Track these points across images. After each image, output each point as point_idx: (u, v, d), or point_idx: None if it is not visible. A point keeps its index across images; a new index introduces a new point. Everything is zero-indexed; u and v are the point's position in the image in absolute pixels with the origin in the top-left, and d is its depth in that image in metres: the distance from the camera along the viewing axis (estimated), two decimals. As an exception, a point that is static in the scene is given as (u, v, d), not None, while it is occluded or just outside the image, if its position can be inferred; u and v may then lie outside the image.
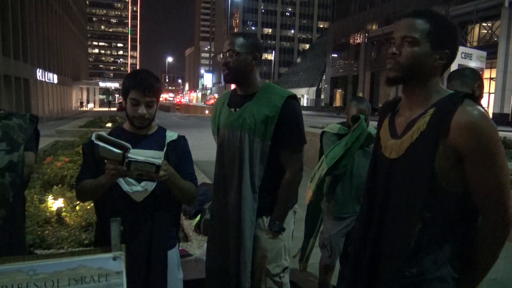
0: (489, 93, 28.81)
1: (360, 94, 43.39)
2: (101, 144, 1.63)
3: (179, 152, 1.98)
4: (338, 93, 56.40)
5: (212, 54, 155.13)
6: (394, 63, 1.36)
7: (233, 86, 2.19)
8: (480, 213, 1.31)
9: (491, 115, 28.26)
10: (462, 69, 2.49)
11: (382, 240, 1.42)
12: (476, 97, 1.33)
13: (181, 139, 2.04)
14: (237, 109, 2.08)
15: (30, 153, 1.72)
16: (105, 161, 1.69)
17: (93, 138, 1.93)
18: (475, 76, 2.36)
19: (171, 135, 2.01)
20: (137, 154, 1.67)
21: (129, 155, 1.64)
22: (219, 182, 2.15)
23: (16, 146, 1.65)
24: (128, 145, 1.66)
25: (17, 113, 1.78)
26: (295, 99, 2.06)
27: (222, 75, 2.09)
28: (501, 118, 26.81)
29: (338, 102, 54.84)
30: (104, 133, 1.72)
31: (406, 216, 1.34)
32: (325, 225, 3.01)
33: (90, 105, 57.75)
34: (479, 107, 1.28)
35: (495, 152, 1.25)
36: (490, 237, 1.30)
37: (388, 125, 1.49)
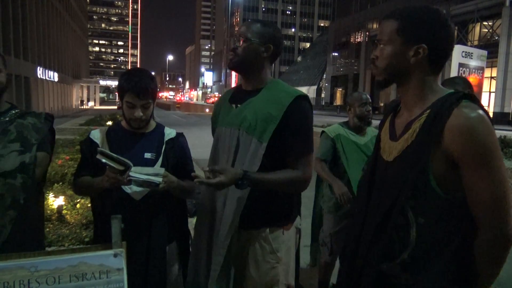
0: (490, 92, 28.76)
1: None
2: (103, 160, 1.65)
3: (178, 150, 1.99)
4: (339, 92, 56.32)
5: (212, 53, 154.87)
6: (374, 67, 1.37)
7: (234, 80, 2.03)
8: (477, 226, 1.20)
9: (491, 114, 28.21)
10: (454, 77, 2.56)
11: (376, 246, 1.33)
12: (476, 97, 1.25)
13: (180, 137, 2.04)
14: (239, 105, 1.84)
15: (42, 153, 1.72)
16: (106, 167, 1.70)
17: (91, 136, 1.95)
18: (465, 84, 2.41)
19: (169, 133, 2.01)
20: (139, 172, 1.69)
21: (130, 173, 1.67)
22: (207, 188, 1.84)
23: (29, 147, 1.65)
24: (130, 163, 1.68)
25: (32, 112, 1.79)
26: (306, 100, 1.79)
27: (227, 61, 1.87)
28: (501, 117, 26.77)
29: (338, 101, 54.75)
30: (105, 145, 1.73)
31: (396, 220, 1.27)
32: (325, 223, 3.01)
33: (91, 103, 57.73)
34: (478, 109, 1.19)
35: (492, 160, 1.15)
36: (486, 254, 1.20)
37: (388, 126, 1.45)
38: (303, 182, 1.77)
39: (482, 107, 1.22)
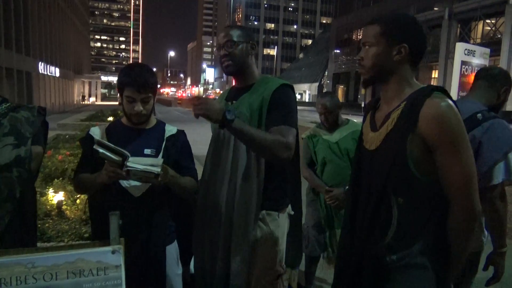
0: (492, 91, 28.72)
1: (363, 91, 43.27)
2: (101, 150, 1.63)
3: (178, 147, 1.97)
4: (340, 89, 56.29)
5: (214, 49, 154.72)
6: (361, 67, 1.51)
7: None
8: (449, 203, 1.36)
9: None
10: (492, 68, 2.28)
11: (365, 229, 1.48)
12: (446, 90, 1.40)
13: (181, 134, 2.03)
14: (234, 102, 1.96)
15: (37, 147, 1.71)
16: (105, 161, 1.68)
17: (91, 132, 1.93)
18: (505, 80, 2.17)
19: (170, 130, 2.00)
20: (137, 162, 1.67)
21: (128, 163, 1.65)
22: (209, 180, 1.94)
23: (23, 140, 1.64)
24: (127, 153, 1.66)
25: (25, 106, 1.77)
26: (290, 87, 1.94)
27: (223, 68, 1.96)
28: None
29: (340, 98, 54.78)
30: (104, 140, 1.71)
31: (383, 203, 1.41)
32: (306, 217, 3.03)
33: (92, 99, 57.74)
34: (447, 99, 1.35)
35: (459, 143, 1.32)
36: (456, 227, 1.36)
37: (369, 120, 1.59)
38: (284, 146, 1.74)
39: (451, 98, 1.39)
